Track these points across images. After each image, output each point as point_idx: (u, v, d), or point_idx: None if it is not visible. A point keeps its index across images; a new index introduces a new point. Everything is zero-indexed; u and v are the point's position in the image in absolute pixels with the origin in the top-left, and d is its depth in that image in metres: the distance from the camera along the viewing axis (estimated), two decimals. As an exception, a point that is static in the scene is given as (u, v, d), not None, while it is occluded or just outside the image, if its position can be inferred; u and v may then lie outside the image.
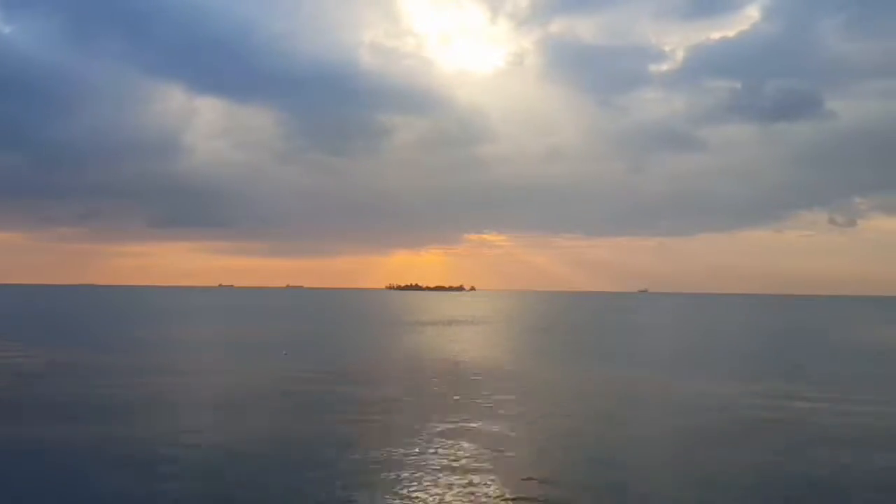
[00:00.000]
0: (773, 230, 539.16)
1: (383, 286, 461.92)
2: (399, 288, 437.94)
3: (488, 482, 13.02)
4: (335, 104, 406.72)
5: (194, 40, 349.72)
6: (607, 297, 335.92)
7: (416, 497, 12.12)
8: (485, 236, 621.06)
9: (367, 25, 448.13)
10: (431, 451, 15.23)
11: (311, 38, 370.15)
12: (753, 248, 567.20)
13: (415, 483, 12.85)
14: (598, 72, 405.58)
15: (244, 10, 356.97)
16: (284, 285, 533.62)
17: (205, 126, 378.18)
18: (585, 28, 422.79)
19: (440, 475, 13.36)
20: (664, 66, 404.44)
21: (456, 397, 22.81)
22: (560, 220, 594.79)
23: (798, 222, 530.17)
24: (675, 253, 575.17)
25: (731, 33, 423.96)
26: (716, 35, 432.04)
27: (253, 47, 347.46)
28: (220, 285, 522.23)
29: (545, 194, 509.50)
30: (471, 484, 12.83)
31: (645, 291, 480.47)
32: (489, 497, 12.21)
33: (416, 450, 15.28)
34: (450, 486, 12.68)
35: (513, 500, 12.15)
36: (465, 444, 15.88)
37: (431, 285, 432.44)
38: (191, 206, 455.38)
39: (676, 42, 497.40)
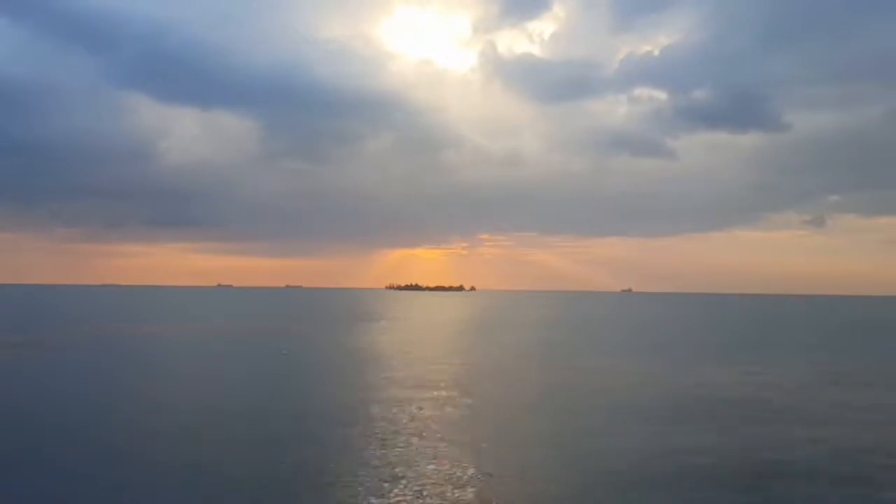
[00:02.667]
0: (752, 230, 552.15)
1: (383, 286, 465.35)
2: (399, 288, 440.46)
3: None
4: (315, 111, 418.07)
5: (167, 52, 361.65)
6: (593, 296, 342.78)
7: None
8: (483, 236, 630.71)
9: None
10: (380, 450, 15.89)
11: (307, 47, 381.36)
12: (731, 248, 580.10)
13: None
14: (551, 79, 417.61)
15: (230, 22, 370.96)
16: (284, 285, 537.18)
17: (194, 132, 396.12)
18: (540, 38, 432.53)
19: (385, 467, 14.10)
20: (629, 73, 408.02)
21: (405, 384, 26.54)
22: (554, 222, 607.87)
23: (771, 223, 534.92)
24: (657, 253, 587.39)
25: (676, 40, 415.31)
26: (664, 44, 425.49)
27: (231, 57, 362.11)
28: (219, 285, 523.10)
29: (535, 197, 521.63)
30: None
31: (629, 291, 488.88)
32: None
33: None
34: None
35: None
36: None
37: (431, 285, 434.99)
38: (188, 207, 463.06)
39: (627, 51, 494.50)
